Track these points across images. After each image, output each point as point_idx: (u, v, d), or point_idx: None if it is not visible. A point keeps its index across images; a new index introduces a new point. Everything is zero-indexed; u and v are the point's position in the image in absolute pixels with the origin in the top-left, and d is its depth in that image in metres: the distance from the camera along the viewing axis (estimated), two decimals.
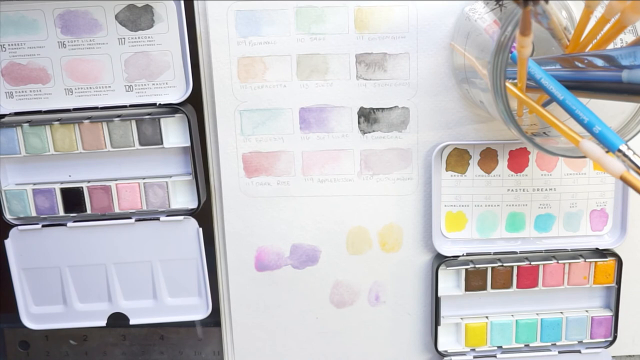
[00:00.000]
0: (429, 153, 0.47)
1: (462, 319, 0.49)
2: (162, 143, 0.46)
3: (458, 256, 0.48)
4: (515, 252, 0.48)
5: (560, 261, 0.48)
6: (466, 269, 0.48)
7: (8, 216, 0.48)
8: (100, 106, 0.46)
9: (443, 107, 0.46)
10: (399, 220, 0.48)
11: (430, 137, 0.46)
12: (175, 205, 0.48)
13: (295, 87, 0.45)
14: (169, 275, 0.49)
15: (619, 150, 0.31)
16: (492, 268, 0.48)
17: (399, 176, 0.47)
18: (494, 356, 0.49)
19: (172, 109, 0.46)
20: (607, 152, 0.32)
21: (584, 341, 0.49)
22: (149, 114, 0.46)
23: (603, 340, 0.49)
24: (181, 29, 0.44)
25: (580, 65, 0.34)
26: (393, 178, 0.47)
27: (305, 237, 0.48)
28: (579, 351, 0.49)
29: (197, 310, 0.50)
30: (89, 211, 0.48)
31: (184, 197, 0.48)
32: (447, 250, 0.48)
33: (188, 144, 0.46)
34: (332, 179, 0.47)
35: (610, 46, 0.35)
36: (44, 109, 0.46)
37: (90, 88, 0.46)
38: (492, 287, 0.48)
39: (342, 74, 0.45)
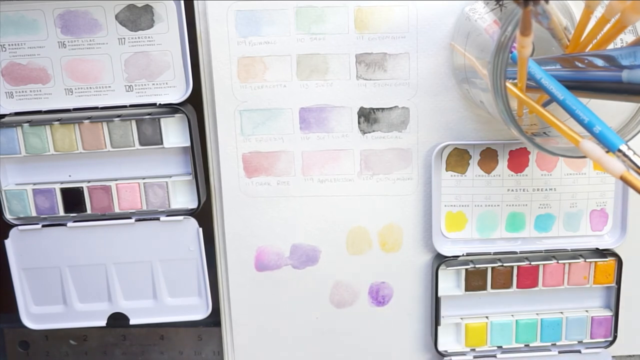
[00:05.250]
0: (429, 153, 0.47)
1: (462, 319, 0.49)
2: (162, 143, 0.46)
3: (458, 256, 0.48)
4: (515, 252, 0.48)
5: (560, 261, 0.48)
6: (466, 269, 0.48)
7: (8, 216, 0.48)
8: (100, 106, 0.46)
9: (443, 107, 0.46)
10: (399, 220, 0.48)
11: (430, 137, 0.46)
12: (175, 205, 0.48)
13: (295, 87, 0.45)
14: (169, 275, 0.49)
15: (619, 150, 0.31)
16: (492, 268, 0.48)
17: (399, 176, 0.47)
18: (494, 356, 0.49)
19: (172, 109, 0.46)
20: (607, 152, 0.32)
21: (584, 341, 0.49)
22: (149, 114, 0.46)
23: (603, 340, 0.49)
24: (181, 29, 0.44)
25: (580, 65, 0.34)
26: (393, 178, 0.47)
27: (305, 237, 0.48)
28: (579, 351, 0.49)
29: (197, 310, 0.50)
30: (89, 211, 0.48)
31: (184, 197, 0.48)
32: (447, 250, 0.48)
33: (188, 144, 0.46)
34: (332, 179, 0.47)
35: (611, 46, 0.35)
36: (44, 109, 0.46)
37: (90, 88, 0.46)
38: (492, 287, 0.48)
39: (342, 74, 0.45)
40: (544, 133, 0.40)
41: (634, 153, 0.31)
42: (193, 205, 0.48)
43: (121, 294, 0.50)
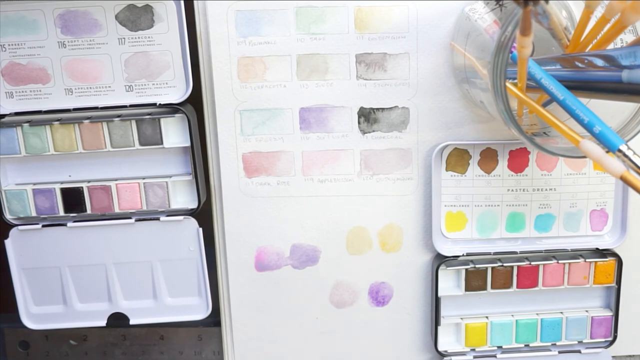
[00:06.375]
0: (429, 153, 0.47)
1: (462, 319, 0.49)
2: (162, 143, 0.46)
3: (458, 256, 0.48)
4: (515, 252, 0.48)
5: (560, 261, 0.48)
6: (466, 269, 0.48)
7: (8, 216, 0.48)
8: (100, 106, 0.46)
9: (443, 107, 0.46)
10: (399, 220, 0.48)
11: (430, 137, 0.46)
12: (175, 205, 0.48)
13: (295, 87, 0.45)
14: (169, 275, 0.49)
15: (619, 150, 0.31)
16: (492, 268, 0.48)
17: (399, 176, 0.47)
18: (494, 356, 0.49)
19: (172, 109, 0.46)
20: (607, 152, 0.32)
21: (584, 341, 0.49)
22: (149, 114, 0.46)
23: (603, 340, 0.49)
24: (181, 29, 0.44)
25: (580, 65, 0.34)
26: (393, 178, 0.47)
27: (305, 237, 0.48)
28: (579, 351, 0.49)
29: (197, 310, 0.50)
30: (89, 211, 0.48)
31: (184, 197, 0.48)
32: (447, 250, 0.48)
33: (188, 144, 0.46)
34: (332, 179, 0.47)
35: (611, 46, 0.36)
36: (44, 109, 0.46)
37: (90, 88, 0.46)
38: (492, 287, 0.48)
39: (342, 74, 0.45)
40: (544, 133, 0.40)
41: (634, 153, 0.31)
42: (193, 205, 0.48)
43: (121, 294, 0.50)
